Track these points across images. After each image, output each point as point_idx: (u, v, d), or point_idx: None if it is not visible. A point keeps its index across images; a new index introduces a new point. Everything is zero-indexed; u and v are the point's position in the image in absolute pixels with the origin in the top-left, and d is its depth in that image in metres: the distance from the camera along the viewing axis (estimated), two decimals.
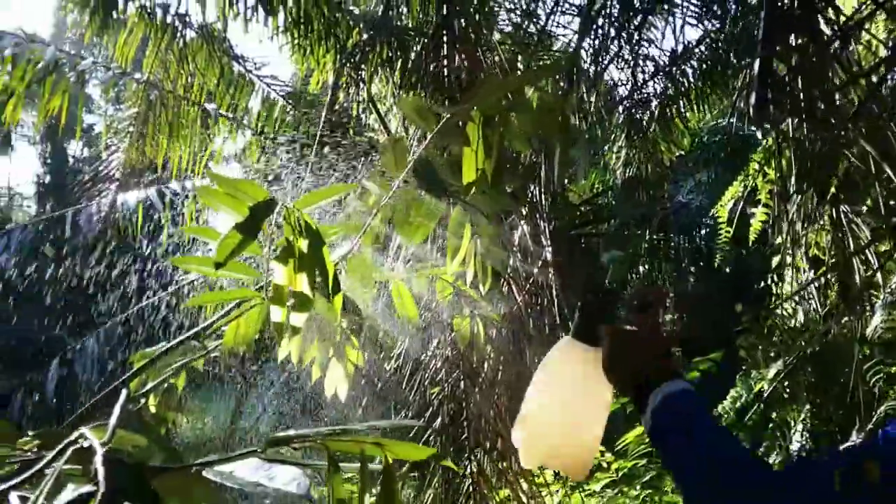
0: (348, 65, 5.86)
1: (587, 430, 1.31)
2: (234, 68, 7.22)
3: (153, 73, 6.85)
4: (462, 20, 3.19)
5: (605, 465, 3.47)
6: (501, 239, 2.80)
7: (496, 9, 6.15)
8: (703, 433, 1.10)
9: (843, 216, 2.65)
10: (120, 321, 7.49)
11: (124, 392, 1.28)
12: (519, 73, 2.75)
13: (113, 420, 1.15)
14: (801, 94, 2.42)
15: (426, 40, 3.32)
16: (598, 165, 9.13)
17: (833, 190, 2.58)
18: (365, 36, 5.08)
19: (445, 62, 3.21)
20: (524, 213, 2.97)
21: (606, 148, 9.09)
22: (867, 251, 2.68)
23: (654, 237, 8.27)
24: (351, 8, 6.06)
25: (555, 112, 1.53)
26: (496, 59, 2.92)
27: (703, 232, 8.50)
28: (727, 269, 8.50)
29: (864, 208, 2.59)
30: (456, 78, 2.99)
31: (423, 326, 2.62)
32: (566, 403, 1.30)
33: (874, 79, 2.58)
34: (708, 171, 7.82)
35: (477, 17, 3.56)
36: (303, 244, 1.09)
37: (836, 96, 2.49)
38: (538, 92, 1.66)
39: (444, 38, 3.22)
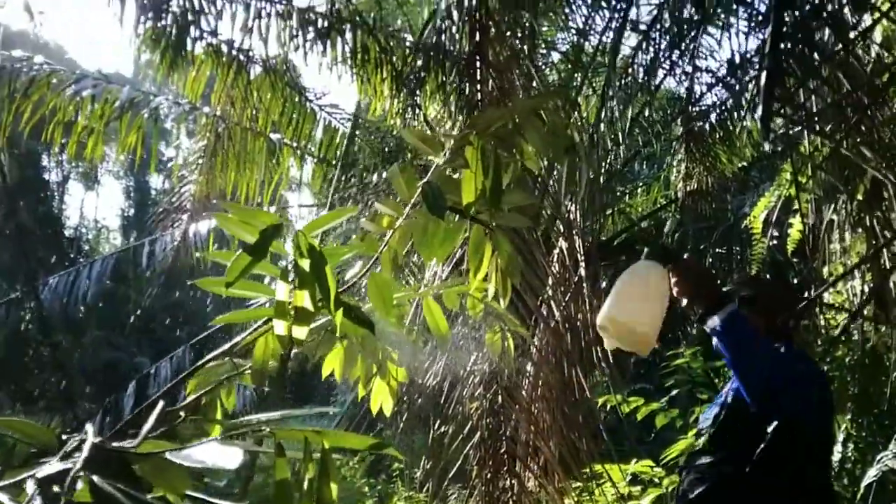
0: (404, 90, 6.03)
1: (653, 320, 1.95)
2: (296, 99, 7.50)
3: (221, 107, 7.17)
4: (496, 47, 3.28)
5: (656, 479, 3.45)
6: (534, 255, 2.86)
7: (546, 29, 6.23)
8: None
9: (875, 223, 2.59)
10: (190, 345, 7.84)
11: (160, 404, 1.41)
12: (526, 97, 2.85)
13: (146, 427, 1.28)
14: (814, 107, 2.40)
15: (462, 67, 3.44)
16: (660, 180, 9.04)
17: (860, 197, 2.54)
18: (419, 62, 5.23)
19: (479, 87, 3.31)
20: (561, 230, 3.02)
21: (667, 162, 9.00)
22: None
23: (718, 250, 8.13)
24: (405, 36, 6.25)
25: (562, 133, 1.60)
26: (533, 83, 3.01)
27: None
28: (794, 280, 8.27)
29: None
30: (489, 102, 3.09)
31: (458, 343, 2.69)
32: (642, 301, 1.96)
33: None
34: (772, 181, 7.65)
35: (517, 42, 3.65)
36: (306, 264, 1.19)
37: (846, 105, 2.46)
38: (549, 114, 1.74)
39: (479, 65, 3.31)
